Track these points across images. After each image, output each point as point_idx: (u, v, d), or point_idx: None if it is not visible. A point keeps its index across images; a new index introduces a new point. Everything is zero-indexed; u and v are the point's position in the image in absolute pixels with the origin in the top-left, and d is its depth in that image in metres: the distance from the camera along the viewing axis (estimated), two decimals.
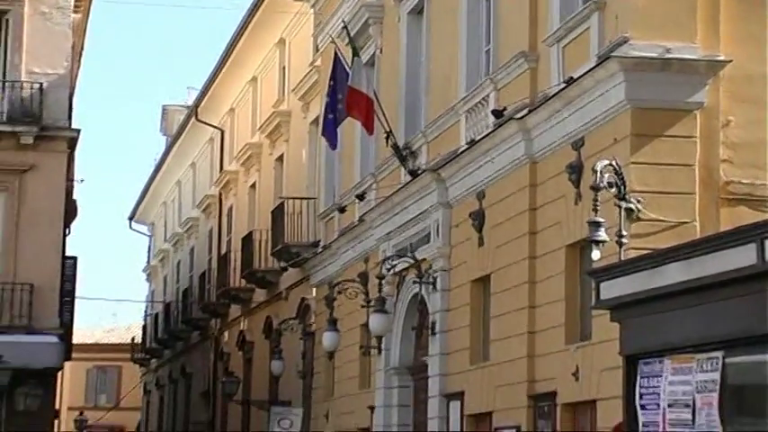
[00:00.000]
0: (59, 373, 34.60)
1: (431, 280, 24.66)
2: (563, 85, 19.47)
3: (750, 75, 17.83)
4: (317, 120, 31.88)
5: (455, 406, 23.48)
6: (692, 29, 17.95)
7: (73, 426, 60.68)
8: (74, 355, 39.41)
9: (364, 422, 28.76)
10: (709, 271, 13.67)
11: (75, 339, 38.57)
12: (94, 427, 63.41)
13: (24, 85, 32.48)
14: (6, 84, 32.47)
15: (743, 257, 13.05)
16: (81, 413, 61.90)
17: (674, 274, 14.26)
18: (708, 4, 18.03)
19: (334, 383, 31.54)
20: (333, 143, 28.46)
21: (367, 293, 27.69)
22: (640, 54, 17.70)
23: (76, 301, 37.87)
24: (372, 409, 27.95)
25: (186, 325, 49.79)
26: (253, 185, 42.37)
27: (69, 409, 58.86)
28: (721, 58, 17.83)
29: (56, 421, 36.39)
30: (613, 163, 17.11)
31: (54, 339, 31.59)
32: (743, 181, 17.62)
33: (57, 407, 35.85)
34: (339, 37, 29.04)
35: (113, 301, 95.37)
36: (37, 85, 32.41)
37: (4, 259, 32.15)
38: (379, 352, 27.27)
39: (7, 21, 32.47)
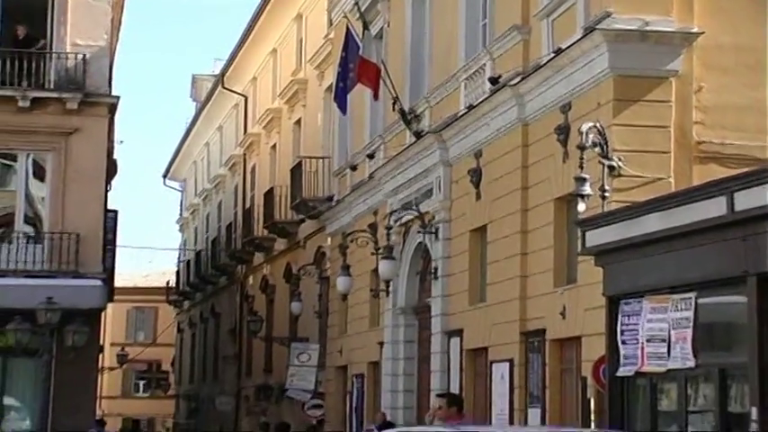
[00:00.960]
0: (103, 313, 34.61)
1: (433, 230, 24.66)
2: (552, 55, 19.43)
3: (720, 45, 17.77)
4: (330, 87, 31.77)
5: (455, 342, 23.52)
6: (668, 3, 17.90)
7: (115, 360, 60.90)
8: (115, 297, 39.44)
9: (374, 356, 28.84)
10: (683, 221, 13.67)
11: (117, 283, 38.56)
12: (134, 360, 63.68)
13: (69, 56, 32.34)
14: (53, 55, 32.34)
15: (714, 208, 13.06)
16: (122, 349, 62.17)
17: (651, 223, 14.28)
18: None
19: (347, 322, 31.61)
20: (343, 109, 28.42)
21: (376, 242, 27.72)
22: (622, 27, 17.64)
23: (117, 249, 37.86)
24: (381, 344, 28.02)
25: (215, 270, 49.84)
26: (273, 146, 42.32)
27: (112, 344, 58.98)
28: (695, 30, 17.77)
29: (100, 356, 36.37)
30: (597, 125, 17.16)
31: (98, 283, 31.60)
32: (713, 141, 17.59)
33: (101, 343, 35.83)
34: (351, 12, 28.88)
35: (150, 249, 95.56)
36: (80, 56, 32.28)
37: (53, 212, 32.11)
38: (387, 294, 27.34)
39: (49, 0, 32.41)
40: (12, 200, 32.71)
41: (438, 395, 14.24)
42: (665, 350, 14.07)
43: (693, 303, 13.73)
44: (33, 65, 32.16)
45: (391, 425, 23.81)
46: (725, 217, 12.88)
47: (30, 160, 32.62)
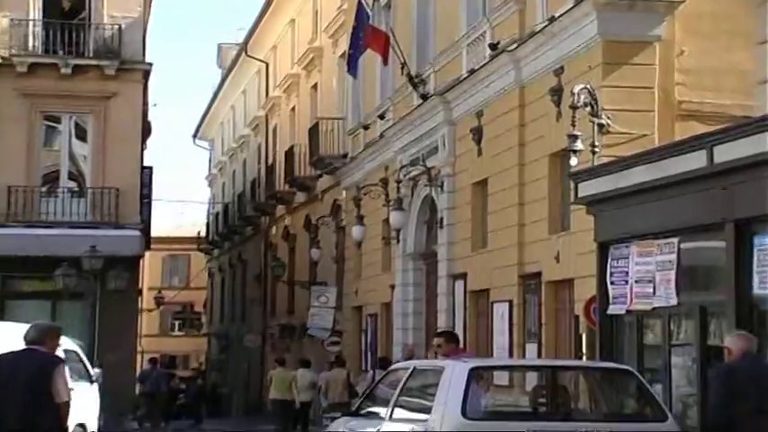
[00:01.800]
0: (141, 260, 34.71)
1: (439, 183, 24.64)
2: (546, 23, 19.36)
3: (700, 12, 17.63)
4: (344, 54, 31.64)
5: (459, 284, 23.54)
6: None
7: (153, 302, 61.08)
8: (151, 245, 39.48)
9: (386, 298, 28.89)
10: (667, 173, 13.63)
11: (152, 233, 38.54)
12: (169, 303, 63.92)
13: (106, 26, 32.31)
14: (92, 25, 32.31)
15: (695, 161, 13.01)
16: (159, 292, 62.33)
17: (638, 175, 14.23)
18: None
19: (361, 267, 31.64)
20: (353, 74, 28.29)
21: (387, 195, 27.68)
22: None
23: (152, 202, 37.85)
24: (392, 287, 28.06)
25: (241, 221, 49.89)
26: (293, 108, 42.25)
27: (149, 288, 59.03)
28: None
29: (139, 298, 36.51)
30: (588, 86, 17.06)
31: (136, 233, 31.70)
32: (694, 100, 17.53)
33: (139, 287, 35.95)
34: None
35: (182, 202, 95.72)
36: (116, 27, 32.24)
37: (94, 169, 32.18)
38: (398, 241, 27.34)
39: None
40: (57, 158, 32.80)
41: (437, 334, 14.25)
42: (651, 290, 14.06)
43: (676, 247, 13.70)
44: (74, 35, 32.14)
45: (388, 361, 23.84)
46: (705, 169, 12.83)
47: (72, 122, 32.67)
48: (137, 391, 32.90)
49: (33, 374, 10.10)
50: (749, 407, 10.24)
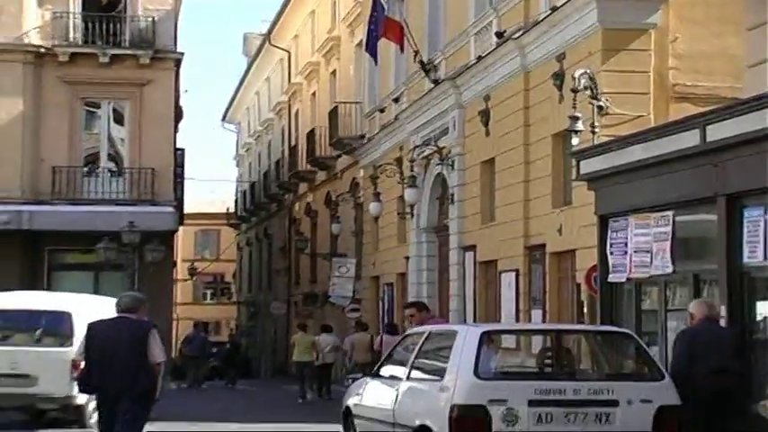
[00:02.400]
0: (175, 234, 34.76)
1: (450, 162, 24.60)
2: (549, 12, 19.29)
3: (693, 0, 17.59)
4: (360, 43, 31.59)
5: (469, 256, 23.54)
6: None
7: (186, 273, 61.19)
8: (185, 221, 39.53)
9: (401, 268, 28.91)
10: (662, 150, 13.59)
11: (185, 209, 38.57)
12: (202, 273, 64.03)
13: (141, 18, 32.29)
14: (127, 17, 32.29)
15: (689, 140, 12.98)
16: (192, 264, 62.42)
17: (636, 153, 14.20)
18: None
19: (378, 240, 31.66)
20: (375, 59, 28.21)
21: (402, 173, 27.68)
22: None
23: (185, 181, 37.88)
24: (407, 258, 28.08)
25: (267, 198, 49.91)
26: (313, 94, 42.18)
27: (183, 260, 59.13)
28: None
29: (174, 269, 36.60)
30: (588, 71, 17.04)
31: (170, 209, 31.74)
32: (687, 83, 17.47)
33: (174, 259, 36.04)
34: None
35: (212, 181, 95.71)
36: (150, 18, 32.22)
37: (131, 150, 32.22)
38: (412, 216, 27.34)
39: None
40: (96, 141, 32.87)
41: (407, 305, 14.33)
42: (648, 259, 14.03)
43: (671, 220, 13.67)
44: (111, 26, 32.15)
45: (395, 327, 23.87)
46: (698, 147, 12.79)
47: (110, 107, 32.70)
48: (173, 355, 33.10)
49: (131, 339, 10.60)
50: (709, 367, 10.75)
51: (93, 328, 11.09)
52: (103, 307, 13.08)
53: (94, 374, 10.74)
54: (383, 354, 23.44)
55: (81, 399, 11.47)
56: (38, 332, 17.13)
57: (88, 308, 16.03)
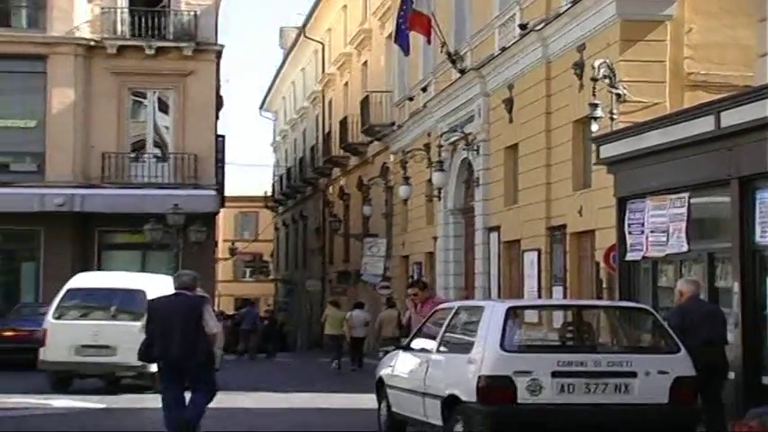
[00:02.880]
0: (216, 216, 34.89)
1: (475, 148, 24.58)
2: (570, 5, 19.21)
3: None
4: (390, 35, 31.55)
5: (494, 236, 23.53)
6: None
7: (227, 252, 61.40)
8: (225, 203, 39.61)
9: (429, 248, 28.93)
10: (678, 136, 13.53)
11: (226, 193, 38.65)
12: (241, 253, 64.27)
13: (184, 12, 32.36)
14: (171, 12, 32.37)
15: (704, 125, 12.92)
16: (232, 244, 62.68)
17: (653, 138, 14.14)
18: None
19: (407, 221, 31.68)
20: (406, 51, 28.11)
21: (430, 158, 27.68)
22: None
23: (226, 166, 37.98)
24: (435, 238, 28.08)
25: (302, 182, 49.99)
26: (346, 83, 42.18)
27: (224, 240, 59.35)
28: None
29: (215, 249, 36.75)
30: (607, 61, 16.99)
31: (212, 192, 31.84)
32: (701, 72, 17.36)
33: (216, 239, 36.17)
34: None
35: (251, 166, 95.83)
36: (193, 13, 32.29)
37: (176, 137, 32.32)
38: (439, 199, 27.32)
39: None
40: (143, 128, 32.98)
41: (410, 285, 14.35)
42: (665, 239, 13.99)
43: (687, 201, 13.62)
44: (156, 20, 32.23)
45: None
46: (713, 132, 12.73)
47: (156, 97, 32.79)
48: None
49: (188, 312, 11.17)
50: (700, 339, 10.90)
51: (154, 303, 11.70)
52: (168, 285, 13.68)
53: (156, 345, 11.20)
54: (409, 327, 23.74)
55: (153, 367, 12.27)
56: (113, 308, 18.35)
57: (157, 286, 16.74)
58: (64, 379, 18.36)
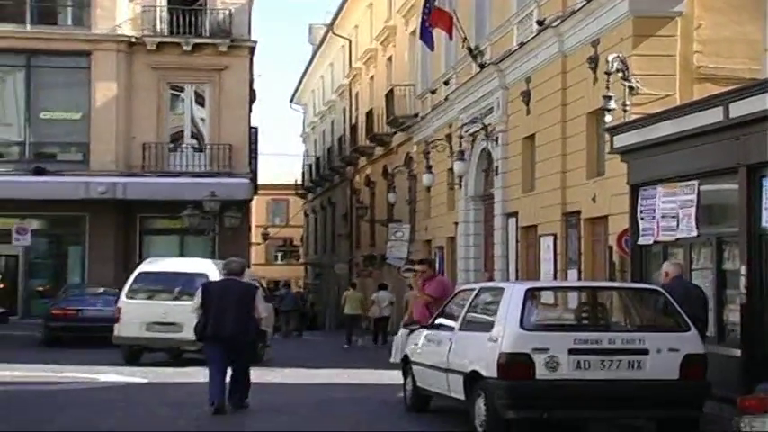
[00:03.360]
0: (250, 203, 34.97)
1: (494, 138, 24.54)
2: (585, 2, 19.10)
3: None
4: (414, 32, 31.50)
5: (512, 221, 23.49)
6: None
7: (260, 237, 61.54)
8: (258, 191, 39.72)
9: (451, 233, 28.91)
10: (688, 126, 13.46)
11: (259, 181, 38.73)
12: (273, 238, 64.39)
13: (219, 10, 32.42)
14: (207, 10, 32.42)
15: (713, 116, 12.84)
16: (265, 229, 62.76)
17: (664, 129, 14.06)
18: None
19: (430, 208, 31.66)
20: (430, 46, 28.03)
21: (451, 148, 27.68)
22: None
23: (258, 156, 38.04)
24: (456, 224, 28.06)
25: (330, 171, 50.02)
26: (372, 77, 42.16)
27: (257, 226, 59.29)
28: None
29: (249, 234, 36.86)
30: (620, 55, 16.93)
31: (246, 181, 31.93)
32: (709, 66, 17.21)
33: (249, 225, 36.26)
34: None
35: (282, 155, 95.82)
36: (227, 11, 32.35)
37: (211, 128, 32.41)
38: (460, 186, 27.31)
39: None
40: (180, 121, 33.09)
41: (419, 261, 14.39)
42: (675, 224, 13.93)
43: (696, 189, 13.55)
44: (193, 18, 32.30)
45: None
46: (722, 122, 12.65)
47: (193, 90, 32.90)
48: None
49: (240, 297, 11.82)
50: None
51: (207, 287, 12.39)
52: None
53: (209, 325, 11.79)
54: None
55: None
56: (177, 290, 19.33)
57: (215, 270, 18.08)
58: (135, 352, 19.40)
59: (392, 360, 13.36)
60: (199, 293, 12.35)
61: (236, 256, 12.91)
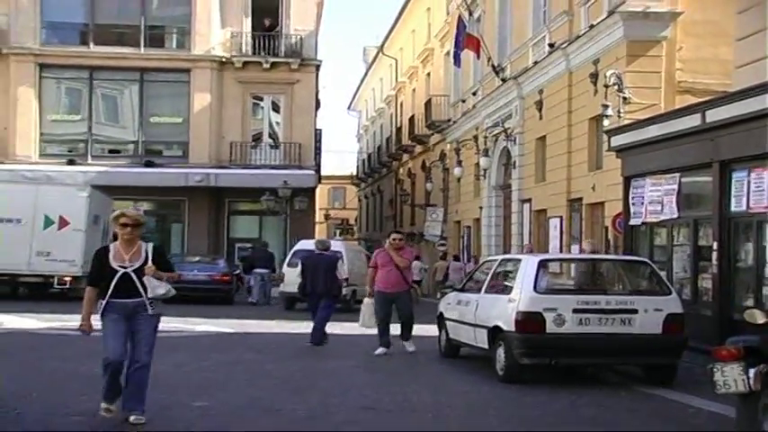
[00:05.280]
0: (315, 190, 35.03)
1: (513, 138, 24.44)
2: (588, 29, 18.96)
3: (694, 20, 17.17)
4: (449, 53, 31.41)
5: (526, 206, 23.44)
6: None
7: (323, 217, 61.71)
8: (321, 181, 39.75)
9: (476, 215, 28.83)
10: (672, 129, 13.40)
11: (322, 173, 38.77)
12: (333, 218, 64.58)
13: (292, 35, 32.43)
14: (282, 35, 32.50)
15: (692, 121, 12.77)
16: (326, 211, 62.95)
17: (652, 131, 14.01)
18: None
19: (460, 195, 31.61)
20: (457, 64, 28.03)
21: (477, 146, 27.60)
22: (632, 9, 17.13)
23: (322, 152, 38.15)
24: (481, 208, 28.00)
25: (379, 165, 50.04)
26: (413, 89, 42.07)
27: (320, 209, 59.42)
28: (678, 10, 17.18)
29: (314, 215, 36.99)
30: (616, 72, 16.82)
31: (312, 172, 32.01)
32: (688, 81, 17.13)
33: (314, 208, 36.42)
34: (461, 5, 28.37)
35: (341, 152, 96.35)
36: (299, 36, 32.37)
37: (286, 130, 32.47)
38: (485, 177, 27.25)
39: (281, 2, 32.40)
40: (260, 124, 33.18)
41: (396, 231, 13.87)
42: (660, 208, 13.87)
43: (678, 180, 13.49)
44: (271, 42, 32.41)
45: (458, 257, 23.70)
46: (699, 126, 12.58)
47: (270, 100, 32.98)
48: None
49: (329, 265, 13.44)
50: None
51: (306, 258, 14.01)
52: (348, 249, 17.05)
53: (308, 284, 13.56)
54: (449, 274, 24.26)
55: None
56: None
57: (343, 248, 20.27)
58: (291, 303, 21.36)
59: (359, 325, 12.82)
60: (300, 264, 14.20)
61: (327, 239, 14.83)
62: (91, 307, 7.03)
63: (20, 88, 30.55)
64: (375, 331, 12.71)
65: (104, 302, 6.98)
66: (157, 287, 7.04)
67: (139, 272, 7.01)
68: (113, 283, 6.94)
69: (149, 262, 7.06)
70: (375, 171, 52.53)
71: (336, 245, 20.78)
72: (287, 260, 22.73)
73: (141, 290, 6.99)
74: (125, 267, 7.00)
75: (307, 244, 21.72)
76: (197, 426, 7.23)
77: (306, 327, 15.89)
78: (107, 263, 7.02)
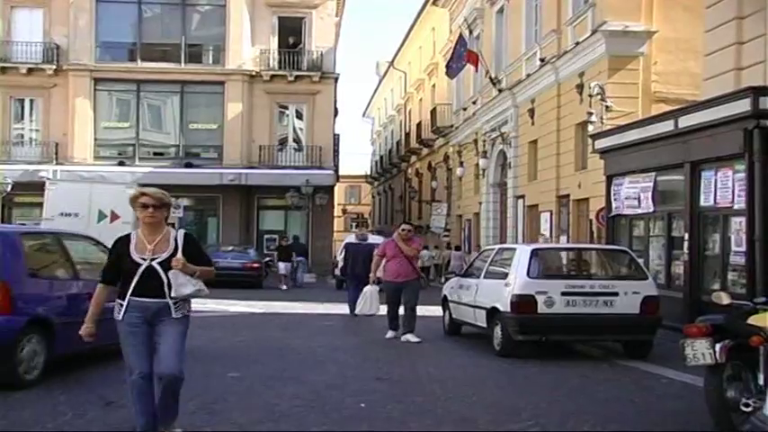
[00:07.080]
0: (334, 188, 35.06)
1: (508, 142, 24.40)
2: (574, 46, 18.93)
3: (667, 37, 17.16)
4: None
5: (520, 202, 23.41)
6: (638, 14, 17.26)
7: (340, 212, 61.73)
8: (339, 179, 39.77)
9: (476, 210, 28.77)
10: (649, 133, 13.40)
11: (340, 172, 38.83)
12: (349, 213, 64.61)
13: (314, 51, 32.43)
14: (305, 51, 32.52)
15: (666, 126, 12.76)
16: (344, 206, 62.96)
17: (631, 136, 14.02)
18: (647, 1, 17.29)
19: (461, 191, 31.58)
20: (451, 77, 27.89)
21: (477, 149, 27.54)
22: (612, 29, 17.14)
23: (340, 154, 38.16)
24: (480, 203, 27.96)
25: (390, 165, 50.04)
26: (420, 99, 42.03)
27: (338, 204, 59.42)
28: (653, 29, 17.17)
29: (333, 210, 37.02)
30: (599, 83, 16.76)
31: (331, 172, 32.04)
32: (663, 91, 17.14)
33: (333, 203, 36.45)
34: (462, 25, 28.38)
35: (357, 154, 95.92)
36: (319, 52, 32.38)
37: (308, 135, 32.47)
38: (483, 176, 27.22)
39: (303, 22, 32.43)
40: (285, 129, 33.15)
41: (405, 223, 13.70)
42: (637, 203, 13.88)
43: (654, 178, 13.50)
44: (295, 57, 32.43)
45: (459, 247, 23.73)
46: (672, 131, 12.60)
47: (294, 108, 32.98)
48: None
49: (365, 252, 14.44)
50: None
51: (348, 246, 15.60)
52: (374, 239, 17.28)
53: (349, 269, 15.04)
54: (451, 261, 24.15)
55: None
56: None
57: (379, 239, 19.79)
58: (341, 283, 21.94)
59: (357, 312, 12.30)
60: (342, 250, 15.73)
61: (365, 232, 16.33)
62: (98, 308, 5.18)
63: (77, 99, 30.77)
64: (368, 313, 12.40)
65: (124, 303, 5.06)
66: (183, 285, 5.02)
67: (166, 265, 5.06)
68: (135, 280, 5.02)
69: (179, 253, 5.07)
70: (387, 171, 52.53)
71: (373, 238, 20.52)
72: (341, 250, 22.10)
73: (167, 288, 5.06)
74: (145, 260, 5.07)
75: (352, 237, 21.87)
76: (232, 393, 7.31)
77: (323, 308, 16.31)
78: (126, 254, 5.09)
